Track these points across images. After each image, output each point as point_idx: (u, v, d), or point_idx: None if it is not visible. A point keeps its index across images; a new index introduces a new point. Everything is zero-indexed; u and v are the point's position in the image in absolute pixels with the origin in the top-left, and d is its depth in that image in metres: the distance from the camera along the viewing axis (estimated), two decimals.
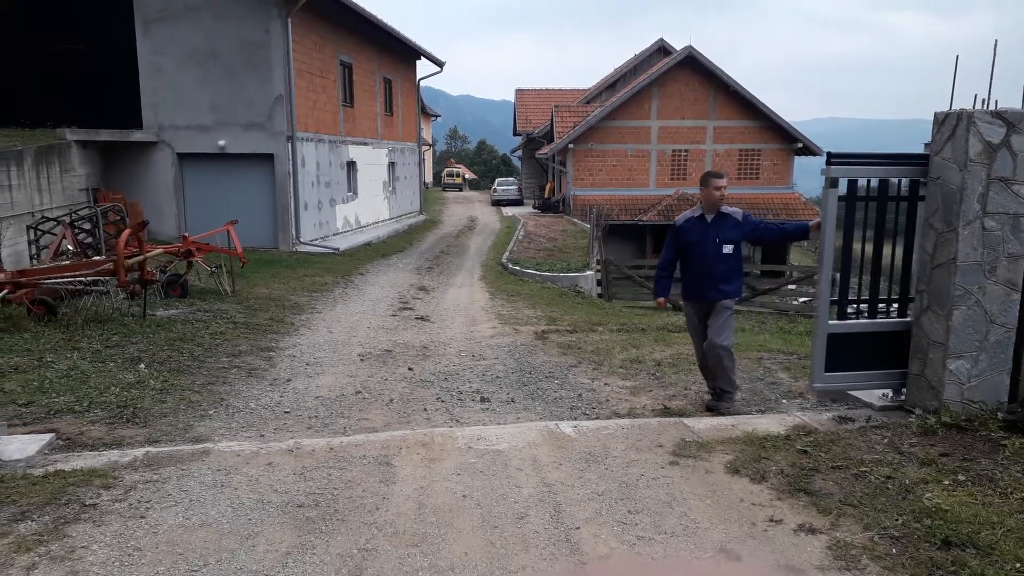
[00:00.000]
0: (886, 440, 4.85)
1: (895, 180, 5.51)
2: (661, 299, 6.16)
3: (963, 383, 5.09)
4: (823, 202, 5.45)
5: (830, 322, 5.55)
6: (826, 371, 5.57)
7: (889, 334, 5.61)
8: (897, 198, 5.55)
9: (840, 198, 5.39)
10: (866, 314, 5.71)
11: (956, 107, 5.10)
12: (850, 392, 5.84)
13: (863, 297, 5.71)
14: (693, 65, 31.42)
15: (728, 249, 5.85)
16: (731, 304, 5.93)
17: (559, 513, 3.99)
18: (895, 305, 5.75)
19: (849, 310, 5.67)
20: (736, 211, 5.99)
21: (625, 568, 3.47)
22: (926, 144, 5.46)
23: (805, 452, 4.68)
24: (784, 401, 6.19)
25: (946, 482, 4.18)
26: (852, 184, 5.49)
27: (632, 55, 40.93)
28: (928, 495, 4.01)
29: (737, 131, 32.08)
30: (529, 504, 4.10)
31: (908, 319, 5.63)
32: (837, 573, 3.37)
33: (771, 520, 3.86)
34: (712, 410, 5.93)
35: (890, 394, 5.71)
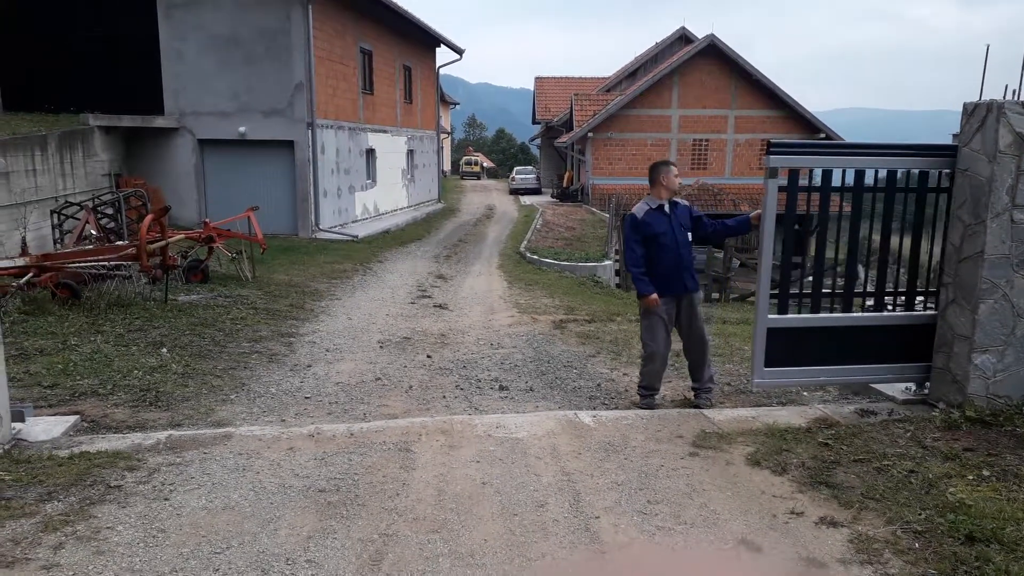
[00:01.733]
0: (909, 434, 4.80)
1: (839, 171, 5.41)
2: (654, 296, 5.61)
3: (988, 377, 5.03)
4: (764, 192, 5.29)
5: (770, 316, 5.42)
6: (766, 367, 5.45)
7: (837, 329, 5.49)
8: (841, 189, 5.45)
9: (780, 188, 5.28)
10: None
11: (986, 97, 5.02)
12: (872, 385, 5.80)
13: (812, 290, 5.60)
14: (715, 53, 31.14)
15: (689, 237, 5.75)
16: (700, 294, 5.88)
17: (578, 502, 3.99)
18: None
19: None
20: (682, 200, 5.91)
21: (645, 558, 3.47)
22: (954, 135, 5.38)
23: (827, 445, 4.65)
24: (805, 393, 6.14)
25: (970, 477, 4.14)
26: (793, 174, 5.34)
27: (653, 43, 40.63)
28: (952, 490, 3.97)
29: (759, 120, 31.79)
30: (548, 492, 4.11)
31: (856, 314, 5.56)
32: (859, 567, 3.35)
33: (792, 512, 3.85)
34: (700, 407, 5.65)
35: (913, 387, 5.66)
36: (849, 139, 31.67)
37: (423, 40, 27.30)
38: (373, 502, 3.97)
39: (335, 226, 19.34)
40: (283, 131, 17.72)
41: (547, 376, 6.94)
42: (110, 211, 12.24)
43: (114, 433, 5.02)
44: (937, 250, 5.61)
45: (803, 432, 4.91)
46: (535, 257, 17.78)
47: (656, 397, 5.86)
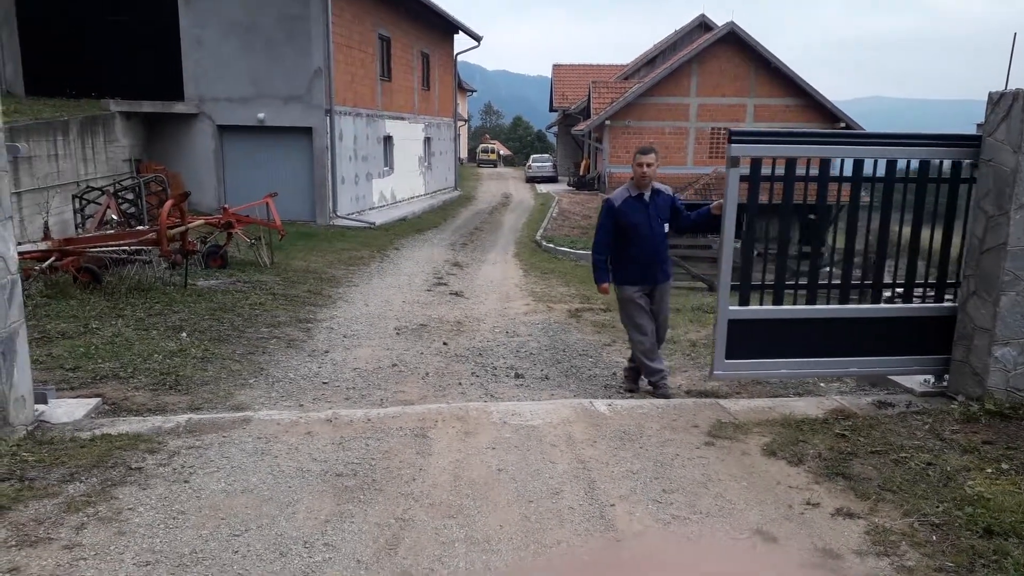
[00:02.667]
0: (927, 426, 4.78)
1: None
2: (605, 285, 5.81)
3: (1009, 370, 4.98)
4: (726, 181, 5.22)
5: (731, 307, 5.37)
6: (727, 358, 5.41)
7: (799, 321, 5.44)
8: (806, 178, 5.40)
9: (742, 178, 5.22)
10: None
11: (1012, 87, 4.94)
12: (890, 377, 5.76)
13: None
14: (734, 41, 30.82)
15: (666, 228, 5.70)
16: (670, 283, 5.88)
17: (593, 490, 4.01)
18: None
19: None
20: (666, 188, 5.82)
21: (660, 546, 3.48)
22: (979, 125, 5.31)
23: (843, 436, 4.63)
24: (823, 384, 6.11)
25: (989, 470, 4.11)
26: (756, 163, 5.28)
27: (673, 31, 40.30)
28: (970, 483, 3.95)
29: (778, 109, 31.47)
30: (564, 480, 4.12)
31: (819, 306, 5.50)
32: (875, 559, 3.34)
33: (808, 503, 3.84)
34: (663, 394, 5.80)
35: (932, 379, 5.62)
36: (869, 128, 31.31)
37: (441, 27, 27.23)
38: (390, 487, 4.00)
39: (352, 213, 19.40)
40: (301, 118, 17.77)
41: (562, 364, 6.95)
42: (130, 196, 12.35)
43: (135, 416, 5.08)
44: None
45: (820, 423, 4.89)
46: (551, 246, 17.76)
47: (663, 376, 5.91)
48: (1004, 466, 4.15)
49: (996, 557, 3.28)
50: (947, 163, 5.45)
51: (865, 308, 5.53)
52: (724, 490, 4.01)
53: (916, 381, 5.66)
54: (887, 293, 5.75)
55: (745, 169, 5.20)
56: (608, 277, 5.79)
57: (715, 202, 5.53)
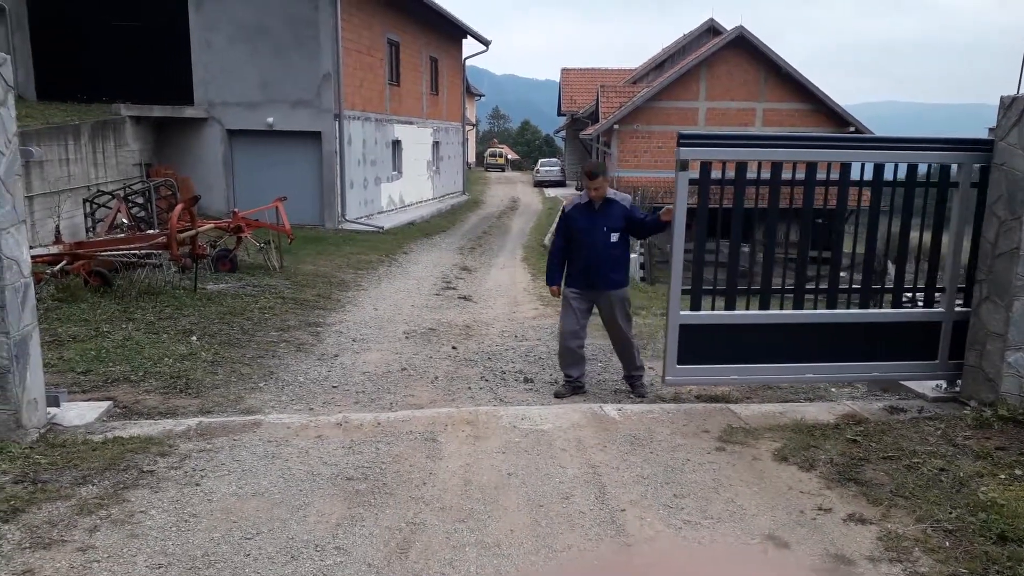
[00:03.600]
0: (939, 432, 4.75)
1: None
2: (554, 287, 6.01)
3: (1022, 376, 4.95)
4: (675, 185, 5.21)
5: (682, 312, 5.35)
6: (679, 363, 5.38)
7: (754, 326, 5.42)
8: (757, 182, 5.41)
9: (691, 181, 5.20)
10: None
11: None
12: (902, 382, 5.73)
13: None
14: (743, 45, 30.79)
15: (615, 237, 5.71)
16: (626, 294, 5.87)
17: (604, 495, 4.00)
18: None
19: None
20: (625, 197, 5.88)
21: (671, 551, 3.47)
22: (990, 129, 5.29)
23: (855, 441, 4.61)
24: (833, 390, 6.09)
25: (1002, 476, 4.08)
26: (705, 166, 5.27)
27: (681, 35, 40.29)
28: (983, 489, 3.92)
29: (787, 113, 31.41)
30: (574, 485, 4.12)
31: (773, 311, 5.48)
32: (888, 565, 3.32)
33: (820, 509, 3.82)
34: (634, 390, 5.95)
35: (944, 385, 5.59)
36: (879, 133, 31.21)
37: (449, 31, 27.29)
38: (400, 491, 4.00)
39: (361, 217, 19.43)
40: (310, 122, 17.81)
41: None
42: (141, 200, 12.41)
43: (146, 419, 5.11)
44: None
45: (831, 428, 4.87)
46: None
47: (575, 387, 5.98)
48: (1018, 472, 4.13)
49: (1010, 563, 3.26)
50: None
51: (825, 313, 5.50)
52: (735, 495, 4.00)
53: (928, 386, 5.64)
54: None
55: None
56: (558, 280, 5.97)
57: (664, 209, 5.65)
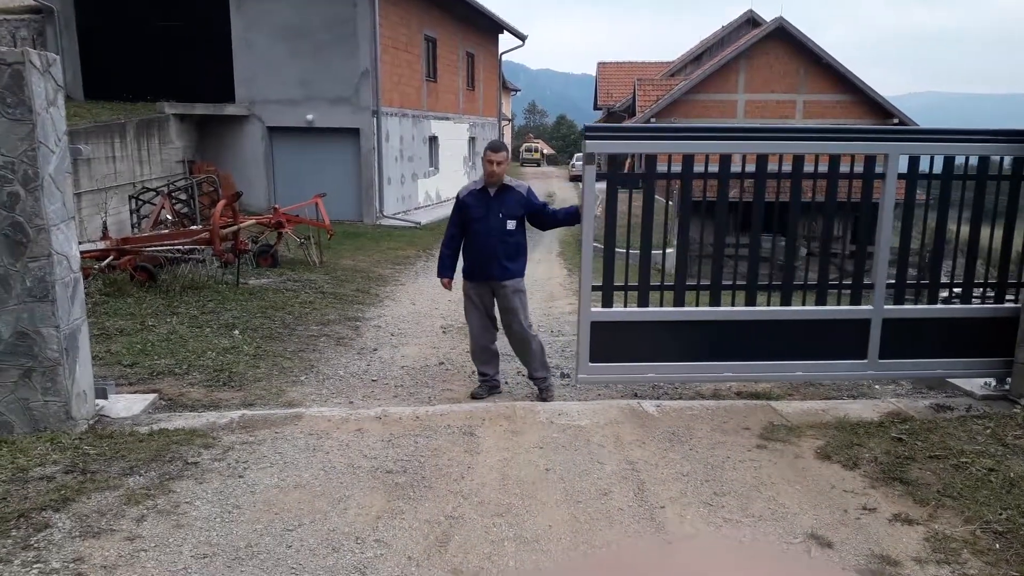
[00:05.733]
0: (988, 431, 4.63)
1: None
2: (446, 280, 5.72)
3: None
4: (583, 179, 5.13)
5: (593, 309, 5.24)
6: (592, 361, 5.27)
7: (668, 324, 5.31)
8: (668, 175, 5.39)
9: (599, 176, 5.10)
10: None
11: None
12: (949, 380, 5.60)
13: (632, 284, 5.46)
14: (783, 37, 30.29)
15: (512, 225, 5.52)
16: (521, 285, 5.65)
17: (643, 491, 3.98)
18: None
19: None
20: (522, 185, 5.68)
21: (712, 549, 3.43)
22: None
23: (900, 440, 4.52)
24: (877, 387, 5.97)
25: None
26: (613, 160, 5.16)
27: (719, 27, 39.79)
28: None
29: (828, 105, 30.85)
30: (612, 481, 4.10)
31: (687, 308, 5.39)
32: (936, 566, 3.25)
33: (864, 508, 3.75)
34: (545, 400, 5.66)
35: (993, 383, 5.45)
36: (923, 124, 30.46)
37: (486, 26, 27.29)
38: (439, 484, 4.03)
39: (398, 213, 19.57)
40: (349, 119, 17.98)
41: None
42: (184, 196, 12.64)
43: (190, 411, 5.20)
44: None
45: (875, 426, 4.78)
46: (596, 244, 17.65)
47: (491, 386, 5.84)
48: None
49: None
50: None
51: (744, 310, 5.39)
52: (777, 493, 3.94)
53: (976, 384, 5.50)
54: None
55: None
56: (450, 272, 5.70)
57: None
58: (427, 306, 9.63)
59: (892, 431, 4.66)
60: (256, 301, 8.73)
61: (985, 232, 5.42)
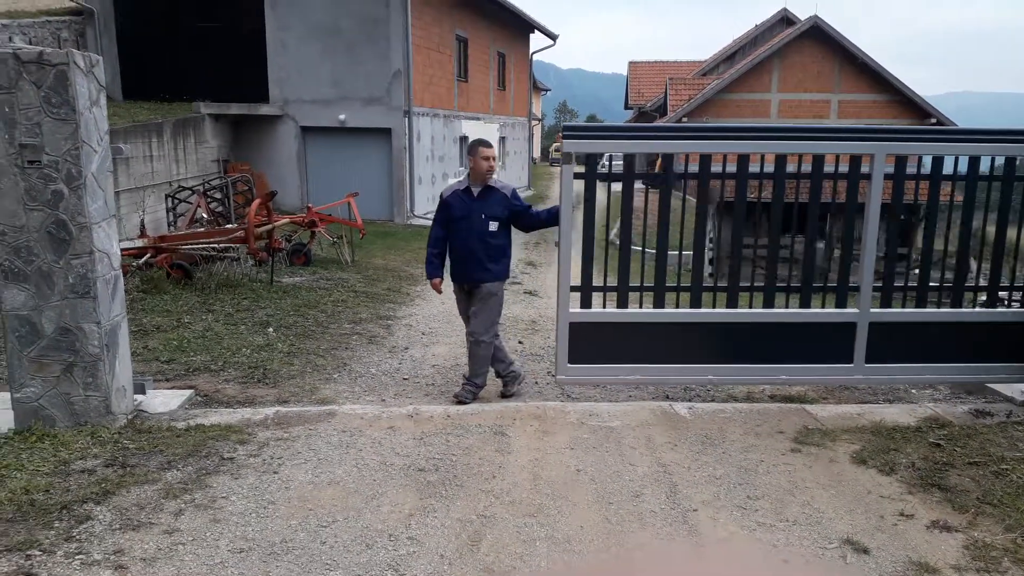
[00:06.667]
0: None
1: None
2: (436, 280, 5.65)
3: None
4: (561, 179, 5.07)
5: (572, 310, 5.16)
6: (570, 363, 5.19)
7: (647, 325, 5.25)
8: (646, 173, 5.22)
9: (576, 175, 5.03)
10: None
11: None
12: (989, 384, 5.50)
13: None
14: (818, 35, 29.91)
15: (494, 227, 5.45)
16: (497, 289, 5.55)
17: (675, 494, 3.96)
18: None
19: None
20: (506, 186, 5.60)
21: (745, 553, 3.40)
22: None
23: (938, 446, 4.45)
24: (914, 391, 5.88)
25: None
26: (591, 159, 5.11)
27: (753, 26, 39.40)
28: None
29: (864, 105, 30.40)
30: (644, 483, 4.08)
31: (667, 310, 5.33)
32: (975, 575, 3.19)
33: (901, 514, 3.70)
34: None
35: None
36: (961, 124, 29.92)
37: (517, 26, 27.31)
38: (470, 483, 4.04)
39: (429, 212, 19.63)
40: (381, 119, 18.10)
41: None
42: (219, 195, 12.81)
43: (225, 407, 5.28)
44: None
45: (912, 431, 4.71)
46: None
47: (478, 393, 5.71)
48: None
49: None
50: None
51: (726, 312, 5.31)
52: (811, 498, 3.90)
53: (1017, 390, 5.39)
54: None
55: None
56: (439, 272, 5.65)
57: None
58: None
59: (930, 436, 4.59)
60: (289, 299, 8.83)
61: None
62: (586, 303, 5.33)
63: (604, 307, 5.53)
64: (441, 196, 5.65)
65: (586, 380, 5.47)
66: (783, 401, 5.54)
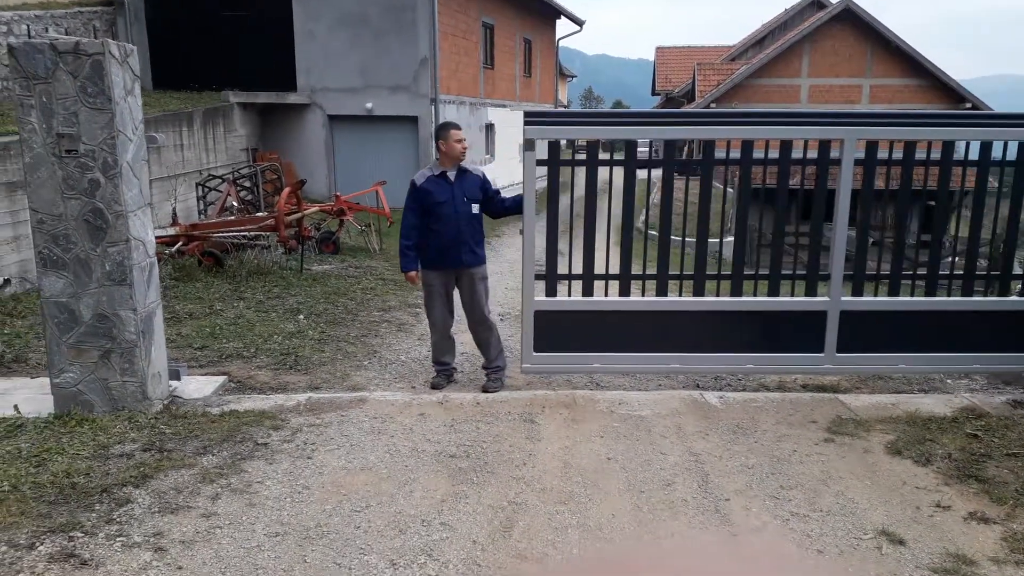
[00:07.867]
0: None
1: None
2: (412, 273, 5.41)
3: None
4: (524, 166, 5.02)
5: (537, 299, 5.10)
6: (536, 351, 5.14)
7: (612, 313, 5.20)
8: (611, 162, 5.45)
9: (539, 162, 4.97)
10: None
11: None
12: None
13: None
14: (849, 19, 29.38)
15: (476, 209, 5.39)
16: (486, 272, 5.53)
17: (707, 483, 3.94)
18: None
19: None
20: (478, 169, 5.54)
21: (779, 543, 3.39)
22: None
23: (976, 436, 4.38)
24: (949, 381, 5.79)
25: None
26: (553, 146, 5.06)
27: (782, 10, 38.80)
28: None
29: (896, 90, 29.85)
30: (675, 472, 4.07)
31: (634, 299, 5.29)
32: (1014, 567, 3.15)
33: (938, 506, 3.66)
34: (487, 390, 5.44)
35: None
36: (997, 109, 29.30)
37: (543, 12, 27.14)
38: (501, 470, 4.06)
39: None
40: (408, 107, 18.12)
41: None
42: (248, 184, 12.93)
43: (258, 394, 5.35)
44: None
45: (949, 422, 4.64)
46: (653, 232, 17.48)
47: (449, 373, 5.73)
48: None
49: None
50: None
51: (687, 301, 5.28)
52: (845, 488, 3.87)
53: None
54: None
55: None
56: (415, 265, 5.43)
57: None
58: None
59: (967, 427, 4.53)
60: (319, 287, 8.90)
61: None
62: (551, 291, 5.31)
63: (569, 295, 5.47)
64: (413, 183, 5.42)
65: (551, 369, 5.43)
66: (816, 391, 5.49)
